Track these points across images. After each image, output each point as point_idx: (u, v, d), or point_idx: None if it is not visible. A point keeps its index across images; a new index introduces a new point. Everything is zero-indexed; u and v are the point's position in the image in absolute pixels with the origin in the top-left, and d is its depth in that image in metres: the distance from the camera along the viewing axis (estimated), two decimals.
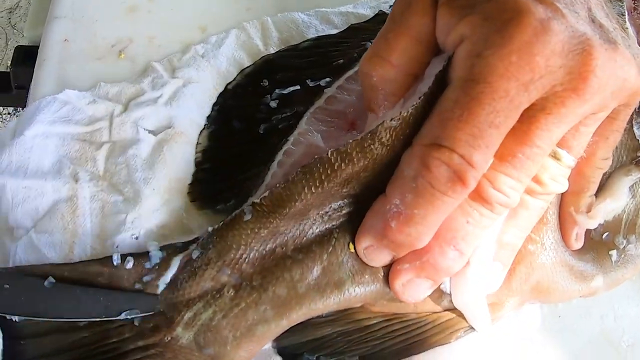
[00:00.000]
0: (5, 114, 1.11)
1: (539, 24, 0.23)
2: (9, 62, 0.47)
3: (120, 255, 0.29)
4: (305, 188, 0.27)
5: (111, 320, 0.28)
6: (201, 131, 0.34)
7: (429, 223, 0.25)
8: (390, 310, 0.31)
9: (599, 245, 0.32)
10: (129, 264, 0.29)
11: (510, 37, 0.23)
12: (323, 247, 0.29)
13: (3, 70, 0.59)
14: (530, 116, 0.24)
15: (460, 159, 0.23)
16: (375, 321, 0.30)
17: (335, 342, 0.30)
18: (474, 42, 0.24)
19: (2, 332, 0.30)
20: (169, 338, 0.28)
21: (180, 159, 0.33)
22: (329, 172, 0.27)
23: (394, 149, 0.26)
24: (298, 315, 0.29)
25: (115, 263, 0.29)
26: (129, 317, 0.28)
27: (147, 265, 0.29)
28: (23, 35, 1.15)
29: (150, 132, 0.33)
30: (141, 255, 0.29)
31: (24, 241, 0.30)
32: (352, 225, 0.29)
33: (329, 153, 0.26)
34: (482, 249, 0.28)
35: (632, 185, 0.33)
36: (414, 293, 0.28)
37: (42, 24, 0.45)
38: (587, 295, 0.32)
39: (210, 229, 0.29)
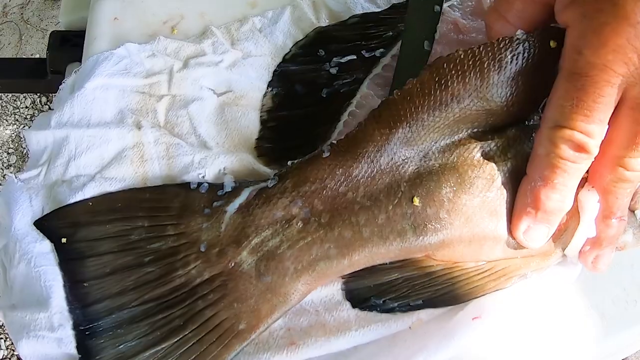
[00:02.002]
0: (22, 107, 1.06)
1: (632, 29, 0.26)
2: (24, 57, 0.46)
3: (198, 182, 0.30)
4: (376, 130, 0.29)
5: (177, 251, 0.29)
6: (265, 94, 0.35)
7: (569, 187, 0.29)
8: (451, 260, 0.31)
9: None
10: (204, 189, 0.30)
11: (605, 41, 0.26)
12: (390, 198, 0.30)
13: None
14: None
15: (580, 134, 0.27)
16: (437, 268, 0.31)
17: (400, 287, 0.31)
18: (575, 37, 0.27)
19: (64, 277, 0.29)
20: (233, 263, 0.29)
21: (242, 119, 0.34)
22: (394, 113, 0.28)
23: (452, 90, 0.28)
24: (360, 257, 0.30)
25: (192, 187, 0.30)
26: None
27: (220, 192, 0.30)
28: (37, 29, 1.12)
29: (212, 91, 0.33)
30: (216, 184, 0.30)
31: (92, 187, 0.31)
32: (419, 180, 0.30)
33: (395, 94, 0.28)
34: (591, 212, 0.30)
35: None
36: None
37: (78, 8, 0.44)
38: (619, 248, 0.33)
39: (289, 162, 0.30)
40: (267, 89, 0.35)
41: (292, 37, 0.37)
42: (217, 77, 0.34)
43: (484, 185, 0.30)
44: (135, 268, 0.29)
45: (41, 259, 0.30)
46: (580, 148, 0.27)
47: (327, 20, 0.38)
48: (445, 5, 0.36)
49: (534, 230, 0.29)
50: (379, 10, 0.38)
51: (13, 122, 1.09)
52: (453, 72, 0.27)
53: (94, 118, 0.32)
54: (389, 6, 0.38)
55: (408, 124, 0.28)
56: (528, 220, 0.29)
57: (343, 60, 0.34)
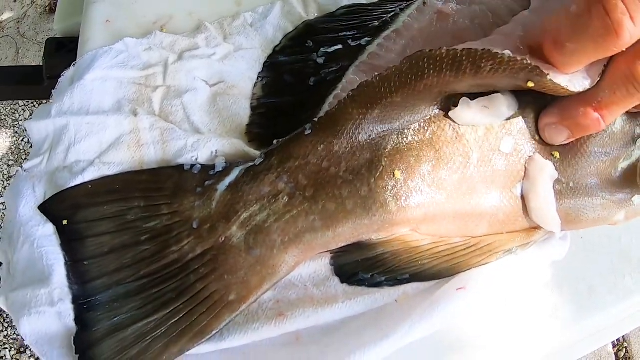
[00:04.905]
0: (21, 120, 1.16)
1: None
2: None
3: (191, 164, 0.36)
4: (354, 109, 0.34)
5: (171, 229, 0.35)
6: (255, 84, 0.41)
7: (581, 56, 0.30)
8: (437, 234, 0.37)
9: (622, 187, 0.38)
10: (196, 170, 0.36)
11: None
12: (371, 171, 0.35)
13: None
14: None
15: (624, 9, 0.27)
16: (423, 243, 0.36)
17: (387, 262, 0.36)
18: None
19: (66, 256, 0.35)
20: (223, 238, 0.34)
21: (234, 108, 0.40)
22: (371, 94, 0.33)
23: (426, 81, 0.33)
24: (344, 229, 0.35)
25: (185, 168, 0.36)
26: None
27: (212, 172, 0.36)
28: (33, 43, 1.24)
29: (205, 82, 0.40)
30: (209, 165, 0.36)
31: (91, 172, 0.36)
32: (400, 156, 0.35)
33: (374, 77, 0.33)
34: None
35: None
36: (552, 136, 0.35)
37: (72, 15, 0.52)
38: (609, 224, 0.38)
39: (275, 141, 0.35)
40: (258, 79, 0.41)
41: (282, 30, 0.43)
42: (210, 69, 0.40)
43: (462, 161, 0.35)
44: (131, 246, 0.35)
45: (44, 241, 0.35)
46: (613, 28, 0.27)
47: (316, 14, 0.44)
48: None
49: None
50: (365, 2, 0.45)
51: (12, 135, 1.20)
52: (431, 67, 0.31)
53: (92, 107, 0.38)
54: None
55: (383, 105, 0.33)
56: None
57: (330, 50, 0.40)
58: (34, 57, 1.29)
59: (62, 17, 0.54)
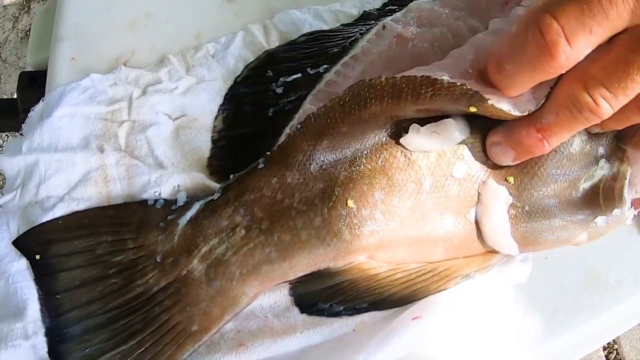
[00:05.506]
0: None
1: None
2: (4, 96, 0.55)
3: (155, 199, 0.38)
4: (303, 141, 0.36)
5: (136, 263, 0.37)
6: (216, 116, 0.43)
7: (521, 78, 0.31)
8: (394, 261, 0.38)
9: (582, 208, 0.39)
10: (159, 205, 0.38)
11: None
12: (324, 201, 0.36)
13: None
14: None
15: (559, 30, 0.28)
16: (380, 271, 0.38)
17: (345, 291, 0.37)
18: None
19: (39, 290, 0.37)
20: (185, 271, 0.36)
21: (196, 141, 0.42)
22: (318, 125, 0.35)
23: (369, 110, 0.34)
24: (300, 259, 0.36)
25: (149, 203, 0.38)
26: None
27: (174, 207, 0.38)
28: (15, 68, 1.28)
29: (168, 116, 0.42)
30: (171, 200, 0.38)
31: (61, 207, 0.39)
32: (352, 185, 0.36)
33: (318, 109, 0.35)
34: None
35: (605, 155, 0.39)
36: (498, 156, 0.36)
37: (43, 49, 0.54)
38: (571, 245, 0.39)
39: (232, 176, 0.37)
40: (218, 111, 0.43)
41: (243, 60, 0.44)
42: (172, 103, 0.42)
43: (414, 188, 0.36)
44: (100, 280, 0.37)
45: (18, 276, 0.38)
46: (547, 48, 0.27)
47: (277, 42, 0.45)
48: (387, 19, 0.44)
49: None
50: (327, 28, 0.46)
51: None
52: (372, 96, 0.33)
53: (61, 143, 0.40)
54: (338, 24, 0.46)
55: (331, 135, 0.35)
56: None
57: (289, 79, 0.42)
58: (15, 82, 1.32)
59: (34, 51, 0.55)
